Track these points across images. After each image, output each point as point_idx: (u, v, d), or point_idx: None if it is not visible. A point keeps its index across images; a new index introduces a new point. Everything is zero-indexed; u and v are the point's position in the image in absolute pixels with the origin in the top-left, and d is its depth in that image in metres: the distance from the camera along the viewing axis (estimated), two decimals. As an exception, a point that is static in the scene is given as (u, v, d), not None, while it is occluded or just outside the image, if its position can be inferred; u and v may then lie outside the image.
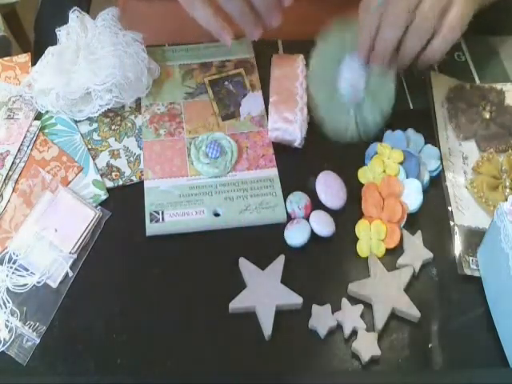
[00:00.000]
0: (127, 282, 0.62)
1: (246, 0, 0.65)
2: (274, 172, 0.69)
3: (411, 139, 0.71)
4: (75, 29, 0.72)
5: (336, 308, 0.60)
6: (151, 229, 0.64)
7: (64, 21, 0.73)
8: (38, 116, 0.72)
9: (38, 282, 0.61)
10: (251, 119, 0.73)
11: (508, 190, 0.67)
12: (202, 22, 0.67)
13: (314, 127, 0.70)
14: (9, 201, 0.66)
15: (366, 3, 0.64)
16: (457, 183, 0.69)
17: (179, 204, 0.66)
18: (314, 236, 0.64)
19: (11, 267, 0.62)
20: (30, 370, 0.57)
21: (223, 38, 0.68)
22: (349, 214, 0.66)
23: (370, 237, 0.64)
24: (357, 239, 0.65)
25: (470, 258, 0.63)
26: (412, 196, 0.66)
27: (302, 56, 0.75)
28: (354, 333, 0.59)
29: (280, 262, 0.63)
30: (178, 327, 0.59)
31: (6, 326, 0.59)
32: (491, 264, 0.60)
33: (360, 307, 0.60)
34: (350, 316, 0.59)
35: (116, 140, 0.71)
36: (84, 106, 0.71)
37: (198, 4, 0.66)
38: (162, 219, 0.65)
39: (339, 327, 0.59)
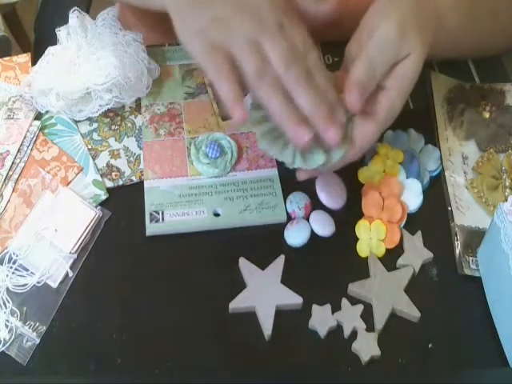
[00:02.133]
0: (127, 282, 0.62)
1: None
2: (273, 172, 0.69)
3: (411, 139, 0.71)
4: (75, 29, 0.72)
5: (336, 308, 0.60)
6: (151, 229, 0.64)
7: (64, 21, 0.73)
8: (38, 116, 0.72)
9: (38, 282, 0.61)
10: (251, 119, 0.73)
11: (508, 190, 0.67)
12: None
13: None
14: (9, 201, 0.66)
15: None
16: (457, 183, 0.69)
17: (179, 204, 0.66)
18: (314, 236, 0.64)
19: (11, 267, 0.62)
20: (30, 370, 0.57)
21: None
22: (349, 214, 0.66)
23: (370, 237, 0.64)
24: (357, 239, 0.65)
25: (470, 258, 0.63)
26: (412, 196, 0.66)
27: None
28: (354, 333, 0.59)
29: (280, 262, 0.63)
30: (178, 327, 0.59)
31: (6, 326, 0.59)
32: (491, 264, 0.60)
33: (360, 307, 0.60)
34: (350, 316, 0.59)
35: (116, 140, 0.71)
36: (84, 106, 0.71)
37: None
38: (162, 219, 0.65)
39: (339, 327, 0.59)
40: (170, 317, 0.60)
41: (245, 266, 0.62)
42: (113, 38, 0.72)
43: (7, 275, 0.61)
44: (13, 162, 0.68)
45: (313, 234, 0.65)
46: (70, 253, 0.63)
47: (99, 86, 0.69)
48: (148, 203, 0.66)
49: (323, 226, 0.65)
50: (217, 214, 0.66)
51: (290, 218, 0.66)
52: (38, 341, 0.58)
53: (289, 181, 0.68)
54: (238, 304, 0.60)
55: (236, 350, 0.58)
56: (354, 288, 0.61)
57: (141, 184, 0.68)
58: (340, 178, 0.68)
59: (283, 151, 0.60)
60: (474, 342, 0.59)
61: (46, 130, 0.71)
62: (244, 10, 0.56)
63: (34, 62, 0.75)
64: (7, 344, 0.58)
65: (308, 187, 0.67)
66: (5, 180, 0.67)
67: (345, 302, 0.60)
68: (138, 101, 0.74)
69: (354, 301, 0.61)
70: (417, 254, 0.64)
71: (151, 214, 0.65)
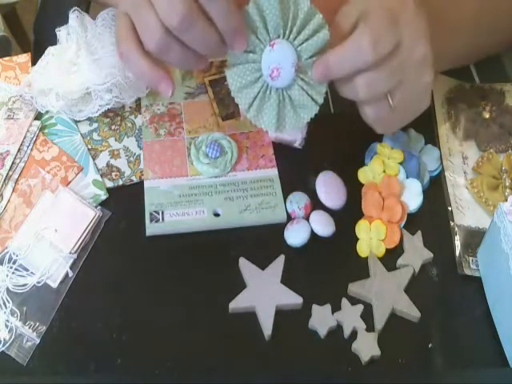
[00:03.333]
0: (127, 282, 0.62)
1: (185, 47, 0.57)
2: (274, 172, 0.69)
3: (411, 139, 0.71)
4: (75, 29, 0.72)
5: (336, 308, 0.60)
6: (151, 229, 0.64)
7: (64, 21, 0.73)
8: (38, 116, 0.72)
9: (38, 282, 0.61)
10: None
11: (508, 190, 0.67)
12: (137, 75, 0.61)
13: (313, 127, 0.70)
14: (9, 201, 0.66)
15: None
16: (457, 183, 0.69)
17: (179, 204, 0.66)
18: (314, 236, 0.64)
19: (11, 267, 0.62)
20: (30, 370, 0.57)
21: (163, 89, 0.59)
22: (349, 214, 0.66)
23: (370, 237, 0.64)
24: (357, 239, 0.65)
25: (470, 258, 0.63)
26: (412, 196, 0.66)
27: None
28: (354, 333, 0.59)
29: (280, 262, 0.63)
30: (178, 327, 0.59)
31: (6, 326, 0.59)
32: (491, 264, 0.60)
33: (360, 307, 0.60)
34: (350, 316, 0.59)
35: (116, 140, 0.71)
36: (84, 106, 0.71)
37: (133, 58, 0.58)
38: (162, 219, 0.65)
39: (339, 327, 0.59)
40: (170, 317, 0.60)
41: (245, 266, 0.62)
42: (113, 38, 0.71)
43: (7, 275, 0.61)
44: (13, 162, 0.68)
45: (313, 234, 0.65)
46: (70, 253, 0.63)
47: (99, 86, 0.69)
48: (148, 203, 0.66)
49: (323, 226, 0.65)
50: (217, 214, 0.66)
51: (289, 218, 0.66)
52: (37, 341, 0.58)
53: (289, 181, 0.68)
54: (237, 304, 0.60)
55: (236, 350, 0.58)
56: (354, 288, 0.61)
57: (141, 184, 0.68)
58: (340, 178, 0.68)
59: (244, 90, 0.57)
60: (474, 342, 0.59)
61: (46, 130, 0.71)
62: None
63: (34, 62, 0.75)
64: (7, 344, 0.58)
65: (308, 187, 0.67)
66: (5, 180, 0.67)
67: (345, 302, 0.60)
68: (138, 101, 0.74)
69: (354, 301, 0.61)
70: (417, 253, 0.64)
71: (151, 214, 0.65)
